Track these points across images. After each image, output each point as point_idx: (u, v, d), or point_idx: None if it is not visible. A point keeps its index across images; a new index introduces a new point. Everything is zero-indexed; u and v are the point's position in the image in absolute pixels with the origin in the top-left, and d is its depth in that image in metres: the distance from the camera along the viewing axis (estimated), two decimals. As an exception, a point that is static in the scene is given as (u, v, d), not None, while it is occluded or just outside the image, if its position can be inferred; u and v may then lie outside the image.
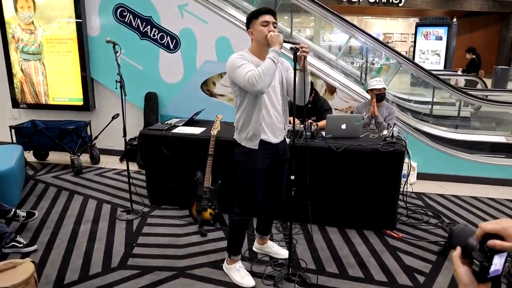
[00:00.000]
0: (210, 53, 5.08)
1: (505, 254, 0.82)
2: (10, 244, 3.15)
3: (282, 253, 3.18)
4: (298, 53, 2.48)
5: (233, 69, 2.50)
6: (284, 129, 2.81)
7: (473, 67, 9.86)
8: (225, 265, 2.92)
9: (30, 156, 5.40)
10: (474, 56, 10.05)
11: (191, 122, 4.31)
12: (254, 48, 2.63)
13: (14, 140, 5.07)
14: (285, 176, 2.89)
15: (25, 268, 2.49)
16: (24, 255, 3.10)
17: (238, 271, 2.81)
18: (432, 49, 13.22)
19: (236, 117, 2.71)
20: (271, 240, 3.31)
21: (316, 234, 3.53)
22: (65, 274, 2.90)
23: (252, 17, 2.59)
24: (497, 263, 0.82)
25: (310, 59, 5.18)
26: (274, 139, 2.72)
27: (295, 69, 2.56)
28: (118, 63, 3.63)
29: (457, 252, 0.87)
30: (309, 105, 4.21)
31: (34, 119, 5.46)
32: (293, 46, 2.48)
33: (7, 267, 2.47)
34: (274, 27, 2.55)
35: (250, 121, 2.61)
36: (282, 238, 3.44)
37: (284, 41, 2.53)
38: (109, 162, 5.46)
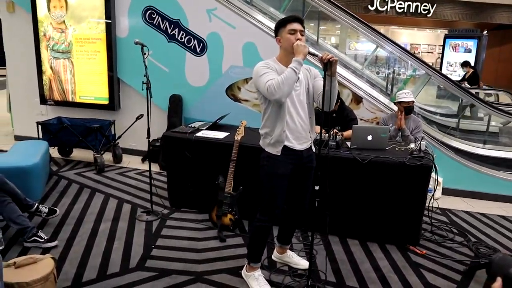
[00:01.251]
0: (236, 58, 5.07)
1: None
2: (32, 239, 3.18)
3: (302, 263, 3.12)
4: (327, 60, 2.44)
5: (256, 77, 2.53)
6: (310, 137, 2.76)
7: (474, 80, 9.92)
8: (244, 272, 2.88)
9: (54, 152, 5.49)
10: (472, 70, 10.03)
11: (214, 126, 4.30)
12: (281, 56, 2.61)
13: (40, 136, 5.16)
14: (310, 184, 2.84)
15: (45, 264, 2.51)
16: (45, 251, 3.13)
17: (256, 280, 2.77)
18: (460, 61, 12.95)
19: (262, 123, 2.69)
20: (291, 249, 3.25)
21: (337, 245, 3.46)
22: (83, 272, 2.91)
23: (280, 25, 2.58)
24: None
25: (338, 68, 5.12)
26: (299, 146, 2.68)
27: (325, 77, 2.51)
28: (145, 65, 3.65)
29: (498, 284, 0.82)
30: (334, 114, 4.16)
31: (61, 116, 5.55)
32: (314, 55, 2.46)
33: (27, 262, 2.50)
34: (302, 35, 2.52)
35: (274, 128, 2.60)
36: (302, 248, 3.38)
37: (309, 52, 2.49)
38: (131, 162, 5.50)
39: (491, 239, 3.76)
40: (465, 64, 10.22)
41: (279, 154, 2.61)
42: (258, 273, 2.81)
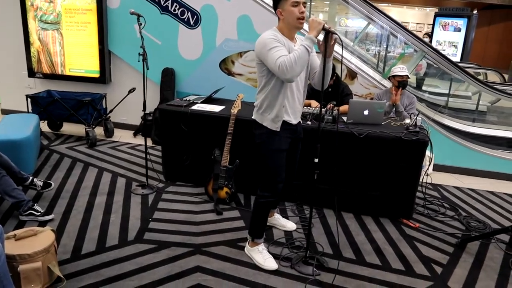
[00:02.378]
0: (231, 31, 4.99)
1: None
2: (28, 212, 3.15)
3: (289, 225, 3.28)
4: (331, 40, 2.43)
5: (264, 50, 2.43)
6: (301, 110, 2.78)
7: None
8: (247, 247, 2.90)
9: (44, 126, 5.39)
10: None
11: (209, 100, 4.26)
12: (282, 28, 2.55)
13: (30, 110, 5.05)
14: (298, 155, 2.93)
15: (46, 236, 2.50)
16: (41, 224, 3.11)
17: (260, 253, 2.80)
18: (449, 40, 12.99)
19: (259, 96, 2.65)
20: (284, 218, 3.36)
21: (332, 219, 3.50)
22: (82, 244, 2.90)
23: None
24: None
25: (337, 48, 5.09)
26: (294, 120, 2.69)
27: (325, 50, 2.49)
28: (141, 36, 3.57)
29: None
30: (330, 89, 4.15)
31: (50, 89, 5.43)
32: (331, 31, 2.41)
33: (28, 234, 2.48)
34: (304, 7, 2.46)
35: (275, 103, 2.57)
36: (298, 221, 3.42)
37: (323, 28, 2.40)
38: (123, 136, 5.45)
39: (480, 213, 3.85)
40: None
41: (278, 129, 2.61)
42: (261, 246, 2.84)
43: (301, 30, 2.61)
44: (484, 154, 4.93)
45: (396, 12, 23.02)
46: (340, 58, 2.57)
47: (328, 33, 2.40)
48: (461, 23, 12.76)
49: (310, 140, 2.74)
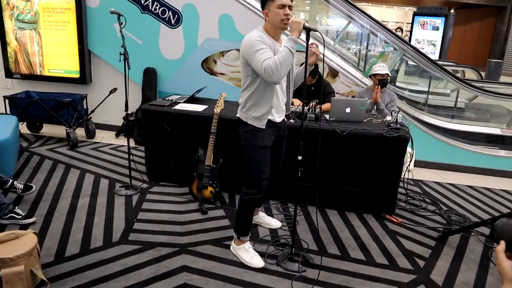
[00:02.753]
0: (212, 31, 4.98)
1: None
2: (8, 216, 3.09)
3: (274, 223, 3.31)
4: (310, 50, 2.53)
5: (250, 51, 2.45)
6: (287, 109, 2.80)
7: None
8: (232, 246, 2.90)
9: (23, 128, 5.29)
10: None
11: (192, 99, 4.24)
12: (268, 28, 2.57)
13: (8, 111, 4.94)
14: (283, 153, 2.96)
15: (28, 240, 2.45)
16: (23, 227, 3.05)
17: (247, 251, 2.81)
18: (428, 39, 13.23)
19: (243, 95, 2.67)
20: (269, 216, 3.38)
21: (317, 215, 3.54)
22: (65, 247, 2.86)
23: None
24: None
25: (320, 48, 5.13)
26: (278, 118, 2.73)
27: (307, 49, 2.52)
28: (122, 35, 3.53)
29: (501, 247, 0.86)
30: (313, 88, 4.19)
31: (29, 90, 5.32)
32: (311, 29, 2.44)
33: (9, 237, 2.43)
34: (290, 9, 2.49)
35: (261, 102, 2.59)
36: (283, 219, 3.44)
37: (304, 27, 2.44)
38: (105, 137, 5.38)
39: (460, 207, 3.94)
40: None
41: (264, 127, 2.63)
42: (248, 245, 2.85)
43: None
44: (463, 150, 5.04)
45: (376, 11, 23.33)
46: (322, 57, 2.58)
47: (309, 31, 2.43)
48: (439, 22, 13.02)
49: (293, 138, 2.76)
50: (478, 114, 7.59)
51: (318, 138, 3.26)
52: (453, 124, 5.67)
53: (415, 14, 13.84)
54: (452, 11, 13.02)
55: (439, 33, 12.93)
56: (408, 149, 3.79)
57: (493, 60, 13.84)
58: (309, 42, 2.50)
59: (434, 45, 13.10)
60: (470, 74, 9.46)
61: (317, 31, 2.46)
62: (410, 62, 7.09)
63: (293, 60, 2.51)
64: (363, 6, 22.17)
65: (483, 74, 11.95)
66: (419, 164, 4.94)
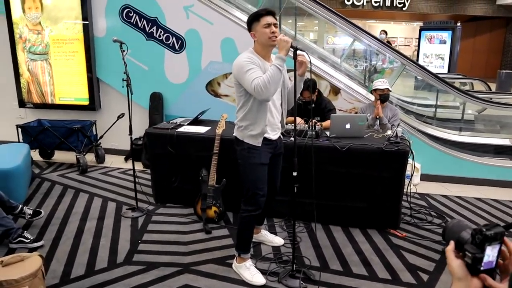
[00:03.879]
0: (215, 54, 5.12)
1: (497, 246, 0.84)
2: (17, 240, 3.18)
3: (276, 240, 3.32)
4: (297, 59, 2.59)
5: (241, 73, 2.55)
6: (282, 126, 2.86)
7: None
8: (234, 264, 2.93)
9: (36, 155, 5.45)
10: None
11: (196, 122, 4.34)
12: (258, 49, 2.68)
13: (21, 139, 5.11)
14: (280, 169, 3.00)
15: (33, 262, 2.52)
16: (31, 251, 3.13)
17: (248, 269, 2.83)
18: (436, 52, 13.24)
19: (238, 115, 2.76)
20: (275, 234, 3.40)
21: (320, 232, 3.55)
22: (71, 269, 2.93)
23: (253, 20, 2.63)
24: (490, 255, 0.83)
25: (314, 60, 5.22)
26: (274, 136, 2.80)
27: (295, 67, 2.61)
28: (124, 62, 3.67)
29: (450, 247, 0.89)
30: (313, 105, 4.24)
31: (40, 118, 5.51)
32: (298, 49, 2.53)
33: (14, 260, 2.50)
34: (275, 27, 2.59)
35: (256, 121, 2.66)
36: (286, 236, 3.45)
37: (291, 46, 2.54)
38: (114, 162, 5.50)
39: (468, 220, 3.90)
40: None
41: (259, 145, 2.69)
42: (249, 263, 2.88)
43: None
44: (471, 162, 5.00)
45: (384, 28, 23.48)
46: (311, 75, 2.66)
47: (297, 50, 2.51)
48: (446, 35, 13.03)
49: (293, 156, 2.80)
50: (487, 125, 7.51)
51: (314, 154, 3.29)
52: (461, 137, 5.65)
53: (421, 29, 13.89)
54: (458, 24, 13.03)
55: (447, 47, 12.92)
56: (411, 162, 3.81)
57: (504, 71, 13.70)
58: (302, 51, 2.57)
59: (442, 58, 13.08)
60: (479, 86, 9.41)
61: (303, 50, 2.54)
62: (419, 77, 7.13)
63: (282, 77, 2.59)
64: (370, 23, 22.37)
65: (494, 85, 11.86)
66: (426, 178, 4.92)
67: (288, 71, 2.91)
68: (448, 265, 0.88)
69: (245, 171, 2.75)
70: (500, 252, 0.85)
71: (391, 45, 8.61)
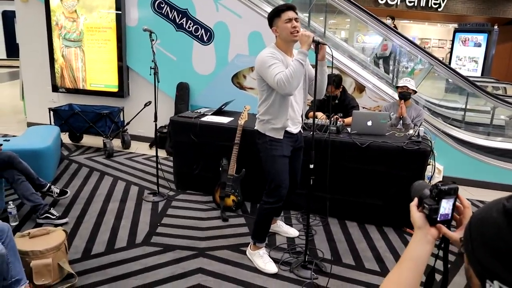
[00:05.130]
0: (242, 47, 5.19)
1: (452, 200, 0.96)
2: (44, 216, 3.35)
3: (291, 232, 3.37)
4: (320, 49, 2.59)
5: (263, 67, 2.60)
6: (302, 120, 2.90)
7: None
8: (248, 251, 3.01)
9: (65, 138, 5.66)
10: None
11: (219, 112, 4.42)
12: (280, 44, 2.72)
13: (52, 122, 5.33)
14: (300, 163, 3.03)
15: (57, 235, 2.67)
16: (56, 227, 3.28)
17: (261, 257, 2.90)
18: (469, 55, 12.91)
19: (260, 109, 2.81)
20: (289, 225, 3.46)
21: (335, 227, 3.57)
22: (92, 246, 3.07)
23: (274, 16, 2.66)
24: (446, 207, 0.96)
25: (340, 57, 5.21)
26: (295, 130, 2.83)
27: (316, 63, 2.63)
28: (153, 51, 3.78)
29: (414, 202, 1.01)
30: (337, 101, 4.25)
31: (71, 103, 5.72)
32: (320, 43, 2.56)
33: (40, 233, 2.66)
34: (296, 22, 2.62)
35: (278, 116, 2.71)
36: (301, 229, 3.49)
37: (313, 41, 2.56)
38: (139, 148, 5.66)
39: (488, 224, 3.83)
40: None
41: (281, 137, 2.74)
42: (262, 251, 2.94)
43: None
44: (496, 167, 4.90)
45: (418, 29, 22.96)
46: (332, 67, 2.68)
47: (318, 44, 2.54)
48: (481, 38, 12.70)
49: (312, 149, 2.83)
50: (519, 131, 7.30)
51: (333, 150, 3.32)
52: (489, 141, 5.53)
53: (456, 31, 13.59)
54: (495, 27, 12.66)
55: (482, 50, 12.59)
56: (439, 165, 3.77)
57: (541, 77, 13.25)
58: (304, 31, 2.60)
59: (476, 62, 12.76)
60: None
61: (325, 44, 2.57)
62: (450, 80, 7.00)
63: (304, 71, 2.62)
64: (404, 23, 21.96)
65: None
66: (449, 180, 4.84)
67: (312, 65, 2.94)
68: (411, 217, 1.01)
69: (267, 163, 2.80)
70: (454, 206, 0.97)
71: (397, 29, 8.12)
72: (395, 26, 9.15)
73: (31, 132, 4.60)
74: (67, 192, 3.78)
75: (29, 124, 6.38)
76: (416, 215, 0.99)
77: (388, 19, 9.07)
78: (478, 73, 12.47)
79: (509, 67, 17.86)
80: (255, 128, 2.88)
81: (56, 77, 5.93)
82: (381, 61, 8.21)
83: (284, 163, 2.80)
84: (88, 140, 5.78)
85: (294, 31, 2.60)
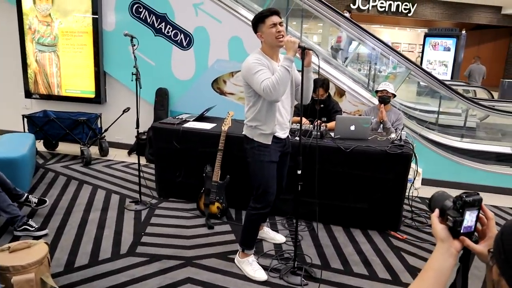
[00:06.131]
0: (222, 52, 5.16)
1: (476, 212, 0.95)
2: (22, 228, 3.22)
3: (278, 238, 3.36)
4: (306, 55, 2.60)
5: (249, 74, 2.59)
6: (289, 125, 2.90)
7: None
8: (237, 258, 2.97)
9: (40, 146, 5.47)
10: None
11: (201, 118, 4.37)
12: (265, 49, 2.72)
13: (26, 129, 5.15)
14: (286, 168, 3.03)
15: (39, 249, 2.56)
16: (36, 239, 3.14)
17: (250, 265, 2.87)
18: (439, 59, 13.29)
19: (248, 115, 2.79)
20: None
21: (321, 231, 3.58)
22: (75, 258, 2.97)
23: (258, 21, 2.66)
24: (469, 219, 0.94)
25: (320, 63, 5.25)
26: (283, 135, 2.83)
27: (302, 68, 2.64)
28: (134, 56, 3.71)
29: (435, 213, 1.01)
30: (322, 105, 4.27)
31: (46, 109, 5.54)
32: (306, 49, 2.57)
33: (21, 247, 2.54)
34: (281, 26, 2.62)
35: (266, 122, 2.70)
36: (288, 234, 3.49)
37: (299, 46, 2.57)
38: (118, 155, 5.53)
39: (467, 225, 3.93)
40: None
41: (269, 143, 2.73)
42: (251, 258, 2.91)
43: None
44: (472, 168, 5.04)
45: (389, 33, 23.51)
46: (319, 71, 2.70)
47: (304, 50, 2.55)
48: (450, 42, 13.09)
49: (298, 155, 2.83)
50: (489, 133, 7.55)
51: (320, 155, 3.34)
52: (463, 143, 5.68)
53: (426, 35, 13.95)
54: (463, 32, 13.08)
55: (451, 54, 12.98)
56: (414, 167, 3.84)
57: (507, 80, 13.75)
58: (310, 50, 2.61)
59: (445, 65, 13.14)
60: (482, 94, 9.46)
61: (311, 49, 2.58)
62: (422, 83, 7.17)
63: (290, 77, 2.62)
64: (375, 28, 22.41)
65: (496, 94, 11.90)
66: (427, 182, 4.95)
67: (298, 71, 2.95)
68: (433, 229, 0.99)
69: (255, 169, 2.78)
70: (478, 218, 0.96)
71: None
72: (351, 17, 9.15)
73: (4, 140, 4.43)
74: (46, 201, 3.65)
75: (1, 132, 6.14)
76: (439, 227, 0.98)
77: (346, 12, 9.11)
78: (448, 77, 12.84)
79: (476, 70, 18.48)
80: (243, 133, 2.86)
81: (29, 82, 5.74)
82: (338, 53, 8.34)
83: (272, 168, 2.79)
84: (64, 147, 5.61)
85: (279, 36, 2.61)
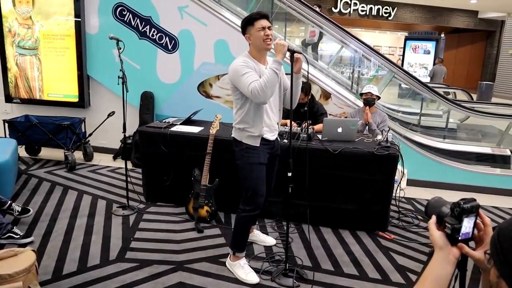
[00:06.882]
0: (208, 55, 5.14)
1: (473, 218, 0.95)
2: (7, 235, 3.14)
3: (268, 240, 3.36)
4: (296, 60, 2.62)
5: (237, 76, 2.59)
6: (278, 127, 2.92)
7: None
8: (228, 262, 2.96)
9: (22, 151, 5.35)
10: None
11: (188, 122, 4.35)
12: (253, 52, 2.73)
13: (7, 135, 5.03)
14: (275, 171, 3.04)
15: (26, 257, 2.50)
16: (21, 246, 3.07)
17: (242, 268, 2.86)
18: (420, 62, 13.56)
19: (236, 118, 2.79)
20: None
21: (311, 233, 3.60)
22: (63, 265, 2.91)
23: (247, 23, 2.67)
24: (467, 226, 0.95)
25: (304, 65, 5.29)
26: (272, 137, 2.84)
27: (292, 72, 2.65)
28: (121, 60, 3.67)
29: (432, 220, 1.00)
30: (306, 108, 4.30)
31: (28, 114, 5.43)
32: (295, 52, 2.58)
33: (8, 255, 2.48)
34: (270, 30, 2.64)
35: (254, 124, 2.70)
36: (277, 237, 3.49)
37: (288, 49, 2.58)
38: (102, 160, 5.45)
39: (452, 224, 4.00)
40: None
41: (258, 145, 2.73)
42: (243, 261, 2.91)
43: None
44: (454, 168, 5.14)
45: (369, 37, 23.82)
46: (308, 76, 2.71)
47: (293, 53, 2.57)
48: (430, 45, 13.39)
49: (287, 157, 2.85)
50: (469, 134, 7.72)
51: (309, 157, 3.36)
52: (445, 144, 5.79)
53: (406, 39, 14.24)
54: (442, 35, 13.38)
55: (431, 57, 13.26)
56: (400, 168, 3.90)
57: (485, 82, 14.11)
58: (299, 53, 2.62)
59: (426, 68, 13.41)
60: (462, 96, 9.66)
61: (301, 53, 2.60)
62: (403, 85, 7.29)
63: (279, 80, 2.63)
64: (356, 31, 22.67)
65: (474, 96, 12.19)
66: (411, 182, 5.03)
67: (286, 74, 2.96)
68: (431, 236, 0.99)
69: (244, 171, 2.78)
70: (475, 224, 0.96)
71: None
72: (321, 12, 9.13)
73: (-15, 146, 4.31)
74: (29, 210, 3.56)
75: (-20, 137, 6.00)
76: (437, 234, 0.97)
77: (316, 7, 9.12)
78: (428, 79, 13.09)
79: (455, 72, 18.89)
80: (232, 135, 2.86)
81: (9, 87, 5.61)
82: (309, 48, 8.41)
83: (261, 170, 2.80)
84: (47, 153, 5.50)
85: (267, 39, 2.62)
